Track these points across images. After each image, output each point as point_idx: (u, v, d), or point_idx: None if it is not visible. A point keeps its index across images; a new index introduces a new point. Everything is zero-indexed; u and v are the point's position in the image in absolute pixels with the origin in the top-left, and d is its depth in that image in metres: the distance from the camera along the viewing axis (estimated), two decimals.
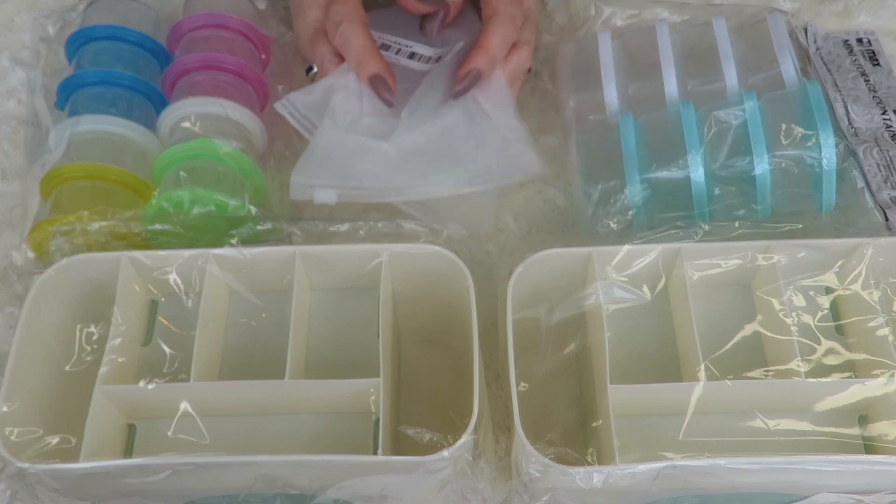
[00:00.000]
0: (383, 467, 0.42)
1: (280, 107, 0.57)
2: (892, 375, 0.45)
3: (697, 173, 0.52)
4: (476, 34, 0.58)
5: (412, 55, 0.60)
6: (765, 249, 0.48)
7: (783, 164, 0.52)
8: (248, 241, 0.50)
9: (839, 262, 0.49)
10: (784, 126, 0.52)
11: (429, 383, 0.52)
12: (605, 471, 0.41)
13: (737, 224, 0.49)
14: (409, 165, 0.56)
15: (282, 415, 0.48)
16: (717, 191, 0.53)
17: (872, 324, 0.47)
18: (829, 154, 0.51)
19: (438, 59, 0.60)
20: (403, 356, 0.53)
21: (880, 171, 0.53)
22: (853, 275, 0.48)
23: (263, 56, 0.63)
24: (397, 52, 0.60)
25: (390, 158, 0.56)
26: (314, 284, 0.51)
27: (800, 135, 0.51)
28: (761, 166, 0.51)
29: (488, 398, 0.49)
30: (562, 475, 0.41)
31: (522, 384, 0.46)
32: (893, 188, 0.53)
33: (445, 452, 0.41)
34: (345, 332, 0.51)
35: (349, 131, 0.57)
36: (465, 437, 0.41)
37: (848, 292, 0.48)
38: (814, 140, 0.51)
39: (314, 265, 0.49)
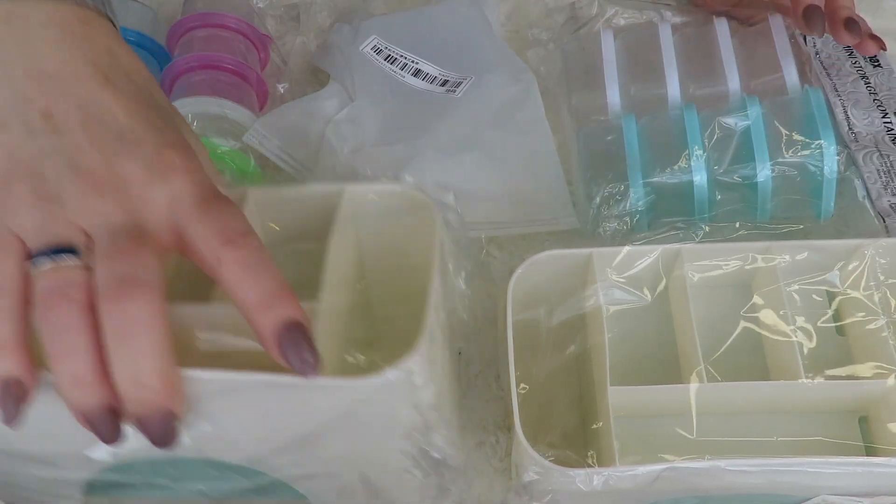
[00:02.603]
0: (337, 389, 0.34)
1: (250, 137, 0.56)
2: (893, 377, 0.45)
3: (700, 178, 0.52)
4: None
5: (417, 72, 0.59)
6: (765, 250, 0.48)
7: (784, 172, 0.52)
8: None
9: (840, 264, 0.48)
10: (786, 133, 0.52)
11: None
12: (606, 473, 0.41)
13: (737, 225, 0.49)
14: None
15: None
16: (718, 196, 0.53)
17: (873, 325, 0.46)
18: (830, 163, 0.51)
19: (445, 82, 0.59)
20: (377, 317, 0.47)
21: (880, 177, 0.53)
22: (854, 276, 0.48)
23: (262, 55, 0.63)
24: (402, 67, 0.59)
25: None
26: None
27: (801, 143, 0.51)
28: (763, 173, 0.51)
29: (488, 399, 0.49)
30: (562, 477, 0.41)
31: (522, 386, 0.46)
32: (893, 194, 0.53)
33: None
34: None
35: (350, 162, 0.56)
36: (415, 355, 0.34)
37: (848, 294, 0.48)
38: (815, 148, 0.51)
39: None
